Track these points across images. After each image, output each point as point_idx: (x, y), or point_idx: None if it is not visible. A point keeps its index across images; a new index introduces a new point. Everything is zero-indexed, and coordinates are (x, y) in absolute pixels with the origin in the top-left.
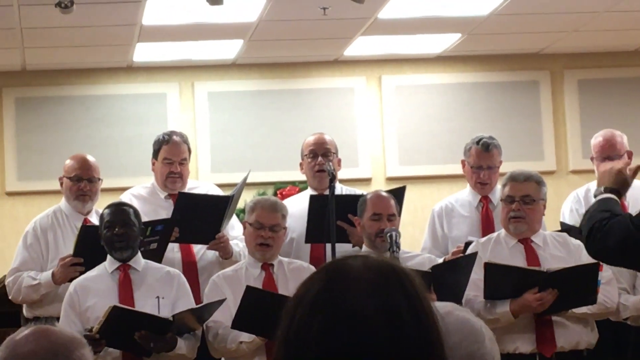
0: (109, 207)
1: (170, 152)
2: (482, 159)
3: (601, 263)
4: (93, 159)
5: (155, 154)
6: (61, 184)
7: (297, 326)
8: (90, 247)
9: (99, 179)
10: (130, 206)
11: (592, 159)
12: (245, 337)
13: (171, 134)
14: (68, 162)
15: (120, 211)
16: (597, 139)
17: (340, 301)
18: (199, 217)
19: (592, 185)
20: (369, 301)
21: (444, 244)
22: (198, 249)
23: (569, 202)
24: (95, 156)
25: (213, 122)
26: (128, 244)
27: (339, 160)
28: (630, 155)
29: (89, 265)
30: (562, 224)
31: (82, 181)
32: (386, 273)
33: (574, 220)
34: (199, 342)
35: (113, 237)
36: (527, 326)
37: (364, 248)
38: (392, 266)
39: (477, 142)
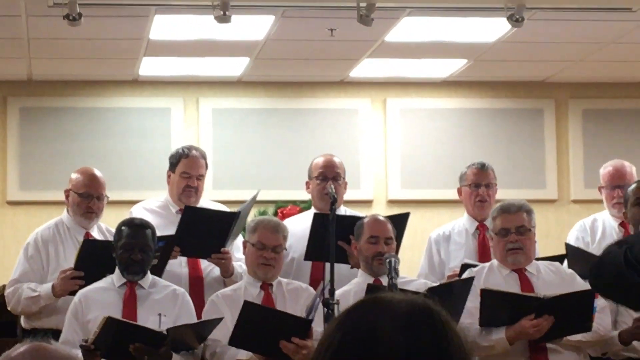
0: (128, 225)
1: (189, 166)
2: (479, 176)
3: None
4: (101, 174)
5: (173, 167)
6: (67, 197)
7: (322, 340)
8: (92, 261)
9: (107, 196)
10: (149, 226)
11: (599, 188)
12: (243, 354)
13: (190, 148)
14: (76, 176)
15: (141, 234)
16: (606, 168)
17: (363, 319)
18: (204, 232)
19: (599, 216)
20: (391, 325)
21: (440, 270)
22: (206, 265)
23: (575, 230)
24: (98, 168)
25: (216, 139)
26: (143, 268)
27: (346, 184)
28: None
29: (90, 279)
30: (567, 245)
31: (92, 199)
32: (419, 307)
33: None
34: None
35: (129, 261)
36: (521, 353)
37: (360, 272)
38: (428, 304)
39: (472, 164)
